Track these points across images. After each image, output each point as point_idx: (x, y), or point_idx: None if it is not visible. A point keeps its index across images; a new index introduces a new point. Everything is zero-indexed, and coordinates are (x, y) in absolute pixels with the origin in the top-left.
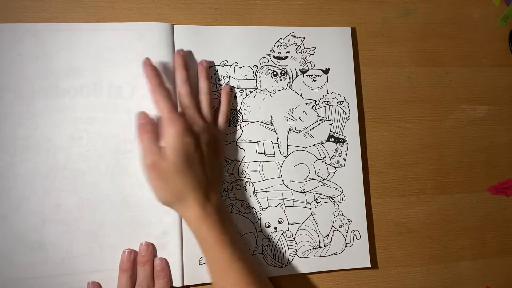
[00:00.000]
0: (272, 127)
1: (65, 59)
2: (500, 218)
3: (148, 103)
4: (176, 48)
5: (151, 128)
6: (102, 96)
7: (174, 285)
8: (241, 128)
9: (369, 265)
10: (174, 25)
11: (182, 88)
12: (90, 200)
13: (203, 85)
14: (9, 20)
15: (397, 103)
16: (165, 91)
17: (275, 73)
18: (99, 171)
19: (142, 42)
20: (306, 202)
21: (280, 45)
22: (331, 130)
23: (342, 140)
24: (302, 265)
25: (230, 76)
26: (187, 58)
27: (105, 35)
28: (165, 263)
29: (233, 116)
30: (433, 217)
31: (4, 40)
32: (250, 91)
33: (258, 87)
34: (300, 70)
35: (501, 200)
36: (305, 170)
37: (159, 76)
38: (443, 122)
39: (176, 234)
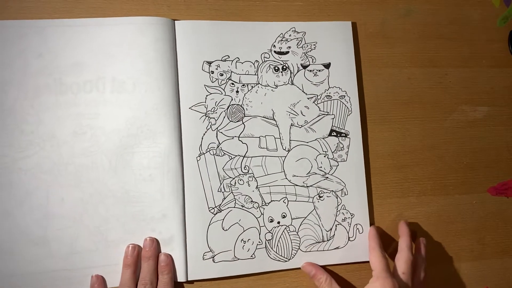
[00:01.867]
0: (274, 122)
1: (69, 54)
2: (500, 219)
3: (150, 97)
4: (178, 43)
5: None
6: (105, 91)
7: (178, 280)
8: (243, 123)
9: None
10: (175, 21)
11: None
12: (93, 195)
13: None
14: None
15: (397, 104)
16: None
17: (276, 68)
18: (102, 166)
19: (145, 37)
20: (308, 197)
21: (281, 40)
22: (333, 125)
23: (344, 135)
24: (305, 259)
25: (231, 71)
26: (189, 56)
27: (108, 30)
28: (170, 258)
29: (236, 111)
30: (432, 218)
31: (8, 36)
32: (252, 86)
33: (260, 82)
34: (301, 65)
35: (501, 201)
36: (307, 165)
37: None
38: (443, 123)
39: (180, 229)
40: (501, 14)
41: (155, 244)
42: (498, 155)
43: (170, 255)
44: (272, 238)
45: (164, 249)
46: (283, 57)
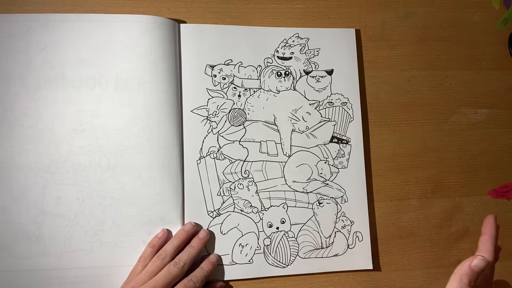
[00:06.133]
0: (275, 127)
1: (73, 49)
2: (501, 221)
3: (155, 98)
4: (183, 46)
5: None
6: (108, 89)
7: None
8: (244, 127)
9: (371, 267)
10: (180, 24)
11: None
12: (90, 194)
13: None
14: None
15: (397, 107)
16: None
17: (279, 73)
18: (100, 165)
19: (150, 36)
20: (308, 203)
21: (285, 45)
22: (334, 131)
23: (345, 141)
24: (304, 266)
25: (234, 75)
26: (193, 59)
27: (114, 27)
28: (207, 235)
29: (237, 115)
30: (433, 221)
31: (13, 30)
32: (254, 91)
33: (262, 87)
34: (304, 70)
35: (502, 203)
36: (307, 171)
37: None
38: (443, 125)
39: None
40: (501, 17)
41: (194, 231)
42: (498, 157)
43: (210, 233)
44: (271, 243)
45: None
46: (286, 63)
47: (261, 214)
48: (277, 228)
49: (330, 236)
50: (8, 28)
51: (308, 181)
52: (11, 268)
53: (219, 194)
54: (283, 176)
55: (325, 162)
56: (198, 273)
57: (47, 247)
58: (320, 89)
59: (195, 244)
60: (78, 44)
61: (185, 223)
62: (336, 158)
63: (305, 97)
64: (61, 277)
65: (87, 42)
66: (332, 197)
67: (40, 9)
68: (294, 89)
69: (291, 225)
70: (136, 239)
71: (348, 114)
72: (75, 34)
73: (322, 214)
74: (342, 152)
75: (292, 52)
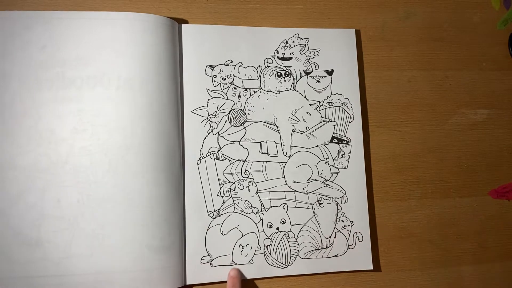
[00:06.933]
0: (275, 128)
1: (74, 48)
2: (501, 222)
3: (158, 98)
4: (183, 46)
5: None
6: (110, 88)
7: (176, 285)
8: (244, 128)
9: (371, 267)
10: (182, 24)
11: None
12: (91, 197)
13: None
14: None
15: (397, 107)
16: None
17: (279, 73)
18: (102, 166)
19: (153, 35)
20: (308, 203)
21: (285, 46)
22: (335, 132)
23: (345, 142)
24: (304, 266)
25: (234, 76)
26: (193, 59)
27: (116, 25)
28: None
29: (238, 116)
30: (433, 221)
31: (12, 28)
32: (254, 91)
33: (262, 88)
34: (304, 71)
35: (502, 204)
36: (308, 171)
37: None
38: (443, 126)
39: (179, 233)
40: (501, 17)
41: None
42: (498, 158)
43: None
44: (271, 244)
45: (164, 255)
46: (286, 63)
47: (261, 215)
48: (277, 228)
49: (330, 237)
50: (6, 25)
51: (308, 181)
52: (8, 275)
53: (219, 194)
54: (283, 176)
55: (325, 163)
56: None
57: (46, 252)
58: (320, 90)
59: None
60: (78, 42)
61: (185, 223)
62: (336, 159)
63: (305, 97)
64: (61, 284)
65: (88, 40)
66: (332, 198)
67: (40, 9)
68: (294, 90)
69: (291, 225)
70: (139, 242)
71: (348, 114)
72: (75, 32)
73: (322, 215)
74: (342, 153)
75: (292, 53)
